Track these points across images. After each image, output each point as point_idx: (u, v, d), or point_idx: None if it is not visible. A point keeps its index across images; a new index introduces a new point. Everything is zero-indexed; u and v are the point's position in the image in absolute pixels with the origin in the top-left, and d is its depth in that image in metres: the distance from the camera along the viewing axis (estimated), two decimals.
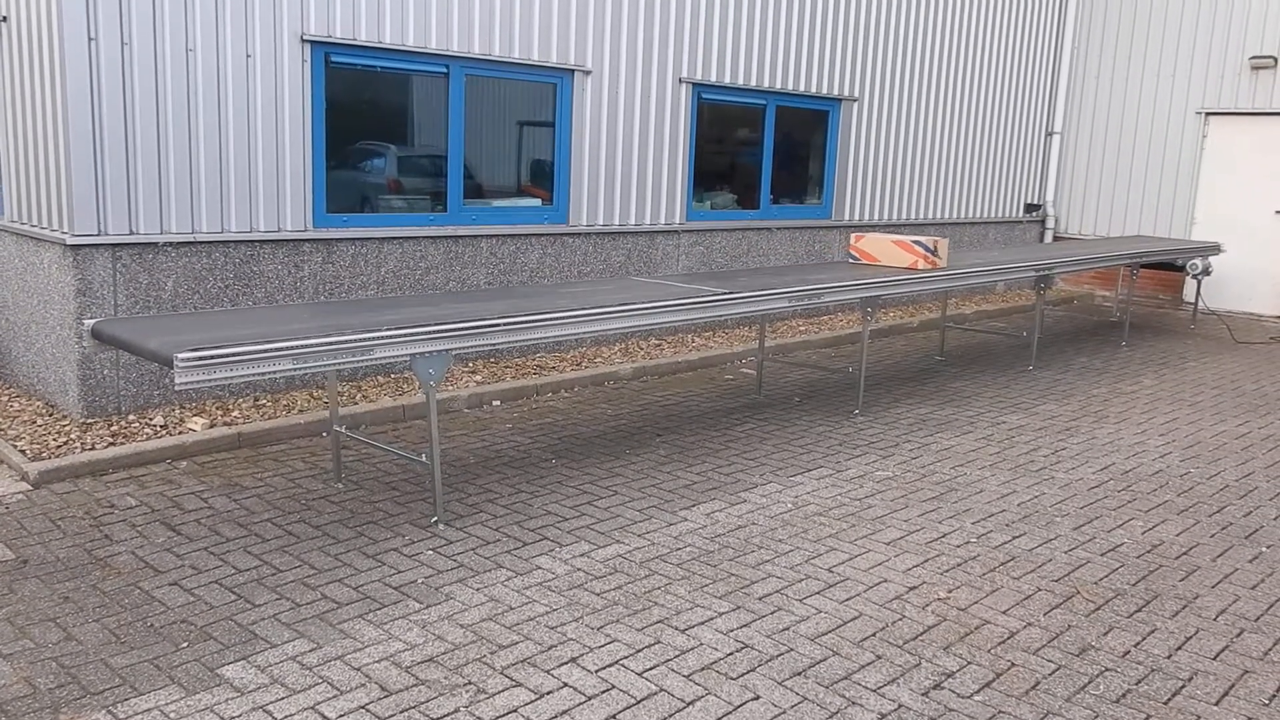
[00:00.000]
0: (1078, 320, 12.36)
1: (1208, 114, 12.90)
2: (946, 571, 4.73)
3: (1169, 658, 4.02)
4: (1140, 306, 13.36)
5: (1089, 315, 12.78)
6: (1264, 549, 5.19)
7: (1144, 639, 4.16)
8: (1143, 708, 3.65)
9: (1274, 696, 3.77)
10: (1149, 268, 11.77)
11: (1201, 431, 7.36)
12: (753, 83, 9.82)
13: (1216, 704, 3.70)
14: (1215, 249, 11.68)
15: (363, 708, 3.45)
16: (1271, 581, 4.79)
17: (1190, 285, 13.29)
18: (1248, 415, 7.90)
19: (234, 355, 4.16)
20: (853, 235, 8.19)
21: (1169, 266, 11.67)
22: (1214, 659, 4.03)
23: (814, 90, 10.42)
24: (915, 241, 7.75)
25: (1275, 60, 12.26)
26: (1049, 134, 13.84)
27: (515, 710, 3.46)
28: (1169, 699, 3.72)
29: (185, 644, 3.83)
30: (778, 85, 10.05)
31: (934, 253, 7.69)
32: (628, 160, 8.93)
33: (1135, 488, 6.06)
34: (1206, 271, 11.47)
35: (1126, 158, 13.60)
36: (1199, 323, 12.28)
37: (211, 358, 4.10)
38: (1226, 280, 12.94)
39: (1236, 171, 12.74)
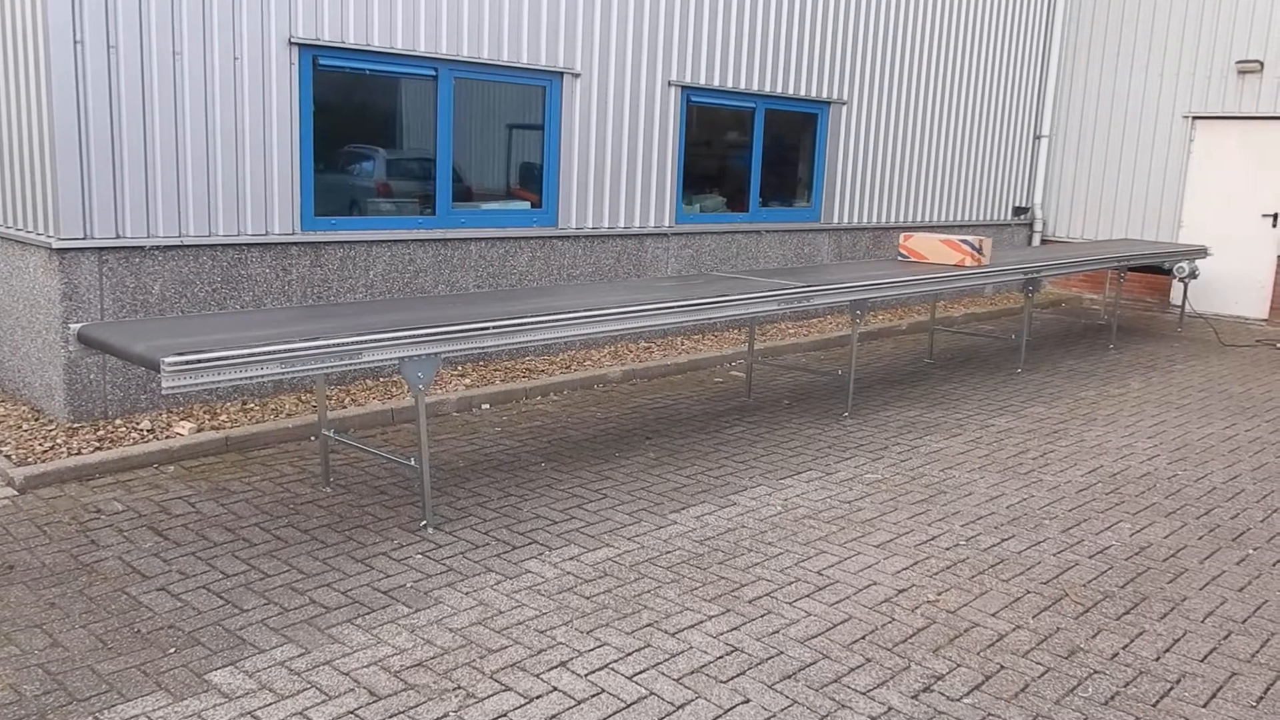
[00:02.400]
0: (1066, 323, 12.41)
1: (1194, 118, 12.96)
2: (936, 574, 4.74)
3: (1157, 660, 4.03)
4: (1128, 310, 13.42)
5: (1077, 318, 12.83)
6: (1251, 551, 5.21)
7: (1132, 641, 4.17)
8: (1131, 710, 3.66)
9: (1261, 698, 3.78)
10: (1136, 271, 11.82)
11: (1189, 434, 7.39)
12: (742, 85, 9.83)
13: (1204, 706, 3.71)
14: (1202, 253, 11.73)
15: (351, 713, 3.43)
16: (1259, 584, 4.81)
17: (1177, 288, 13.36)
18: (1234, 418, 7.93)
19: (221, 359, 4.14)
20: (901, 235, 8.81)
21: (1156, 270, 11.72)
22: (1202, 661, 4.04)
23: (803, 93, 10.44)
24: (963, 240, 8.41)
25: (1261, 64, 12.34)
26: (1037, 137, 13.90)
27: (505, 714, 3.45)
28: (1157, 701, 3.73)
29: (172, 650, 3.81)
30: (767, 88, 10.07)
31: (979, 250, 8.37)
32: (617, 163, 8.93)
33: (1123, 490, 6.08)
34: (1193, 275, 11.52)
35: (1114, 161, 13.66)
36: (1186, 326, 12.33)
37: (199, 361, 4.08)
38: (1213, 284, 13.01)
39: (1223, 175, 12.80)
